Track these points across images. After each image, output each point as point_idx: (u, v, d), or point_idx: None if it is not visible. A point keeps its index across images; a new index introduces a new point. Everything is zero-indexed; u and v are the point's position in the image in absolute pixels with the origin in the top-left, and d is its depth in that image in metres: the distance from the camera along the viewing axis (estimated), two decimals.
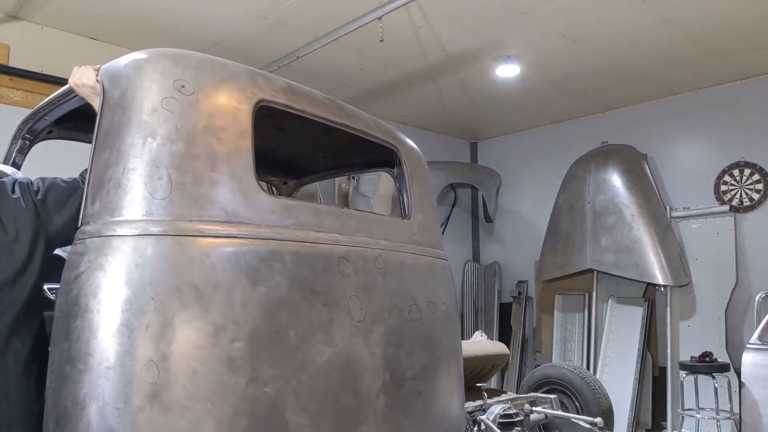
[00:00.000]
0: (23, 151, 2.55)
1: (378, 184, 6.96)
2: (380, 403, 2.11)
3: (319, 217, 2.08)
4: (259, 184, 1.94)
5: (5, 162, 2.54)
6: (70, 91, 2.04)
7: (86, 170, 1.85)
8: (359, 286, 2.11)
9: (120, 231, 1.66)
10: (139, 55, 1.91)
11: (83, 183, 1.89)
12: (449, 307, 2.58)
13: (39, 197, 1.83)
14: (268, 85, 2.07)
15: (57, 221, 1.84)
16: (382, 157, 2.69)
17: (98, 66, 1.95)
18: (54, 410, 1.61)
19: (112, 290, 1.60)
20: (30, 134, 2.51)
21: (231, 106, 1.91)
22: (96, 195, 1.73)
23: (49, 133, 2.56)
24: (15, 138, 2.53)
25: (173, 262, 1.67)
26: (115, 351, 1.56)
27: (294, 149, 2.99)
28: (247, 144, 1.90)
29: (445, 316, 2.53)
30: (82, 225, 1.74)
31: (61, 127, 2.54)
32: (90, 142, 1.86)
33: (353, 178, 6.40)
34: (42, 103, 2.37)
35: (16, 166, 2.53)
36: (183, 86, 1.83)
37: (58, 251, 2.45)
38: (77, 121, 2.40)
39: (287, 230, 1.93)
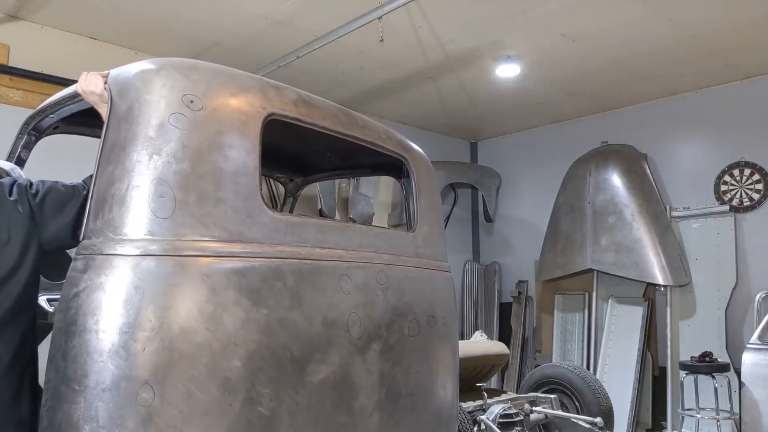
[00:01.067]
0: (28, 146, 2.54)
1: (378, 185, 6.96)
2: (374, 419, 2.10)
3: (323, 233, 2.07)
4: (264, 202, 1.90)
5: (10, 157, 2.54)
6: (77, 94, 2.01)
7: (90, 176, 1.81)
8: (359, 302, 2.10)
9: (121, 250, 1.64)
10: (148, 65, 1.87)
11: (84, 189, 1.86)
12: (448, 320, 2.57)
13: (36, 201, 1.80)
14: (279, 98, 2.04)
15: (52, 227, 1.81)
16: (391, 162, 2.67)
17: (107, 72, 1.91)
18: (48, 429, 1.59)
19: (110, 311, 1.59)
20: (35, 131, 2.50)
21: (240, 122, 1.88)
22: (99, 210, 1.71)
23: (55, 129, 2.55)
24: (21, 133, 2.52)
25: (173, 283, 1.65)
26: (111, 373, 1.55)
27: (303, 147, 2.99)
28: (254, 160, 1.87)
29: (444, 328, 2.52)
30: (83, 239, 1.71)
31: (68, 123, 2.53)
32: (96, 137, 1.84)
33: (354, 177, 6.39)
34: (49, 101, 2.35)
35: (21, 161, 2.53)
36: (192, 101, 1.80)
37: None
38: (84, 116, 2.40)
39: (290, 248, 1.92)
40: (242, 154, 1.85)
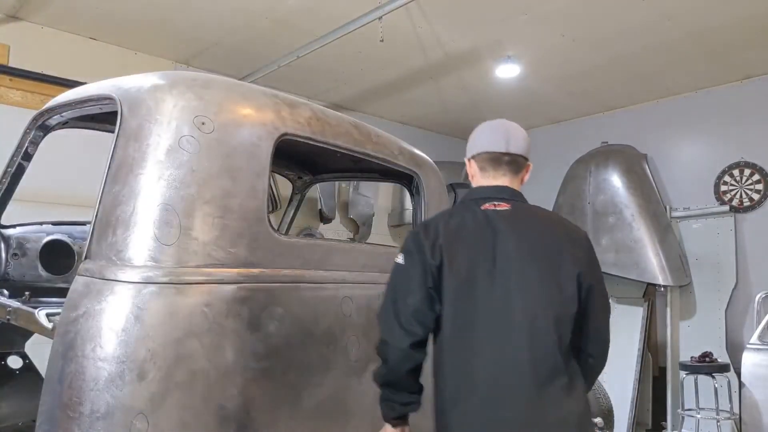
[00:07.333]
0: (36, 142, 2.52)
1: (378, 185, 6.95)
2: None
3: (329, 254, 2.04)
4: (270, 225, 1.86)
5: (17, 152, 2.52)
6: (89, 99, 1.97)
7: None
8: (359, 324, 2.08)
9: (122, 276, 1.60)
10: (160, 81, 1.83)
11: None
12: None
13: None
14: (293, 117, 1.99)
15: None
16: (403, 172, 2.64)
17: None
18: None
19: (108, 339, 1.55)
20: (43, 129, 2.49)
21: (251, 144, 1.83)
22: (103, 231, 1.66)
23: (65, 124, 2.52)
24: (29, 129, 2.50)
25: (174, 312, 1.61)
26: (107, 402, 1.51)
27: (314, 146, 2.98)
28: (263, 183, 1.83)
29: None
30: (86, 258, 1.68)
31: (77, 119, 2.50)
32: (105, 131, 1.79)
33: (363, 180, 6.36)
34: (59, 101, 2.32)
35: (29, 156, 2.52)
36: (203, 123, 1.75)
37: (59, 236, 2.39)
38: (94, 114, 2.38)
39: (294, 271, 1.88)
40: (251, 177, 1.80)
